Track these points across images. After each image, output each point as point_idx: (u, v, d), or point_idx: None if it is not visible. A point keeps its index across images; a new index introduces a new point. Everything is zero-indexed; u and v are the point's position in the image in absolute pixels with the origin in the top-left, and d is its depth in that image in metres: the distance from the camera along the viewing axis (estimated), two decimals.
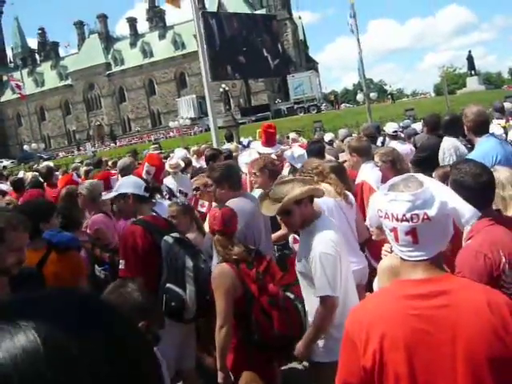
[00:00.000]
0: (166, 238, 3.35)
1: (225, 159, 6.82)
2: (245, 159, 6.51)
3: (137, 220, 3.51)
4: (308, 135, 22.12)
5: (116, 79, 73.23)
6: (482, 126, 3.97)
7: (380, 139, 8.13)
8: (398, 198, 1.46)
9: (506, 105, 10.03)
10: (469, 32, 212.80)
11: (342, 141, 8.55)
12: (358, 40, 21.26)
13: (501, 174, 2.69)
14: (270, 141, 6.33)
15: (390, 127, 7.48)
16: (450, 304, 1.43)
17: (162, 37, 72.22)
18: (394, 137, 7.20)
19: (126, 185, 3.59)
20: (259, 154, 5.92)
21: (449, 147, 4.93)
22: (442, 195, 1.48)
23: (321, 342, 2.78)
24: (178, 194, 6.10)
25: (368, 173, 4.56)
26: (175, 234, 3.43)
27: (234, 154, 8.10)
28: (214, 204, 4.11)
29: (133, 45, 73.83)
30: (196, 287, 3.23)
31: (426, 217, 1.43)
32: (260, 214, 3.36)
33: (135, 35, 74.92)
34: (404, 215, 1.44)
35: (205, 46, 12.66)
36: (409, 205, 1.43)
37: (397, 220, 1.45)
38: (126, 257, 3.35)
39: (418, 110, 25.90)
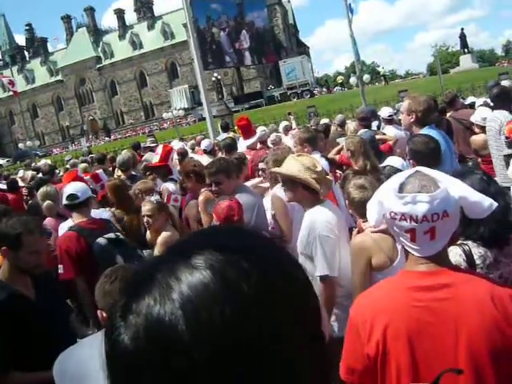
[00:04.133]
0: (98, 240, 3.59)
1: (224, 150, 6.78)
2: (241, 149, 6.50)
3: (71, 226, 3.83)
4: (302, 120, 22.03)
5: (107, 72, 72.63)
6: (429, 116, 4.17)
7: (375, 123, 8.08)
8: (416, 200, 1.44)
9: (506, 83, 9.96)
10: (460, 9, 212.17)
11: (341, 125, 8.53)
12: (350, 22, 21.00)
13: None
14: (246, 132, 6.35)
15: (384, 111, 7.43)
16: (454, 297, 1.44)
17: (150, 27, 71.53)
18: (390, 121, 7.16)
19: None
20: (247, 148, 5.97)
21: (508, 118, 5.05)
22: (457, 191, 1.47)
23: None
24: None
25: None
26: (110, 235, 3.65)
27: None
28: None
29: (122, 37, 73.15)
30: None
31: (445, 214, 1.43)
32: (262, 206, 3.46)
33: (124, 27, 74.18)
34: (425, 216, 1.43)
35: (195, 35, 12.55)
36: (428, 206, 1.42)
37: (416, 222, 1.44)
38: (62, 261, 3.63)
39: (411, 91, 25.75)
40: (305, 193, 3.00)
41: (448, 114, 7.17)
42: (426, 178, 1.49)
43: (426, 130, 3.97)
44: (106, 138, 58.91)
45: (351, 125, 7.01)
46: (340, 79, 56.11)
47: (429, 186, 1.46)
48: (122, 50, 71.87)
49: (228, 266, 0.54)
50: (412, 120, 4.19)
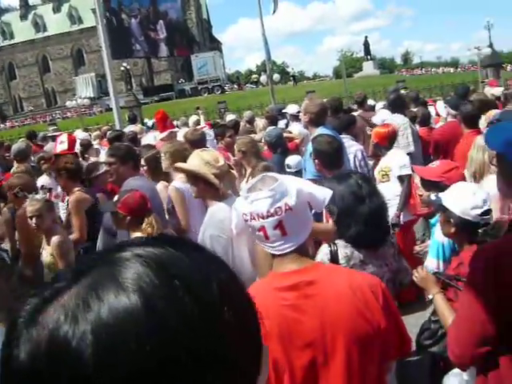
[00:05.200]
0: None
1: (129, 141, 6.62)
2: (150, 141, 6.36)
3: None
4: (212, 116, 22.03)
5: (5, 54, 67.54)
6: (322, 118, 4.37)
7: (284, 121, 8.28)
8: (258, 197, 1.52)
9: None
10: (366, 18, 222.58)
11: (249, 122, 8.63)
12: (262, 21, 21.32)
13: (478, 139, 3.24)
14: (162, 126, 6.32)
15: (292, 108, 7.61)
16: (317, 293, 1.50)
17: (56, 10, 67.56)
18: (296, 117, 7.38)
19: None
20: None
21: (403, 122, 5.44)
22: (296, 184, 1.57)
23: None
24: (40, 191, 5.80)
25: None
26: None
27: (138, 136, 7.85)
28: None
29: (23, 17, 68.39)
30: None
31: (287, 207, 1.50)
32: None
33: (26, 7, 69.38)
34: (268, 211, 1.49)
35: (104, 21, 12.05)
36: (270, 200, 1.49)
37: (263, 218, 1.50)
38: None
39: (318, 92, 26.75)
40: (206, 188, 2.96)
41: (357, 113, 7.58)
42: (269, 178, 1.58)
43: (320, 130, 4.13)
44: (1, 125, 54.77)
45: (260, 122, 7.13)
46: (255, 78, 56.83)
47: (269, 183, 1.55)
48: (23, 31, 67.18)
49: (158, 291, 0.48)
50: (306, 120, 4.44)
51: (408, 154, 5.53)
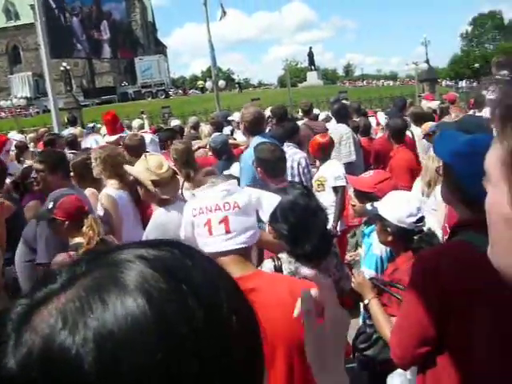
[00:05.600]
0: None
1: (68, 145, 6.38)
2: (90, 145, 6.15)
3: None
4: (156, 120, 21.69)
5: None
6: (258, 126, 4.34)
7: (229, 128, 8.26)
8: (210, 191, 1.58)
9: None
10: (310, 29, 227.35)
11: (194, 128, 8.54)
12: (209, 27, 21.29)
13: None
14: (111, 129, 6.11)
15: (237, 115, 7.64)
16: (258, 300, 1.48)
17: None
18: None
19: None
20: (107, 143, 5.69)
21: (346, 131, 5.54)
22: (248, 189, 1.64)
23: None
24: None
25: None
26: None
27: (78, 139, 7.59)
28: None
29: None
30: None
31: (236, 205, 1.54)
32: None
33: None
34: (217, 204, 1.54)
35: (44, 19, 11.57)
36: (221, 194, 1.55)
37: (210, 211, 1.54)
38: None
39: (263, 100, 27.01)
40: (147, 193, 3.01)
41: (303, 121, 7.72)
42: (220, 179, 1.68)
43: (257, 139, 4.13)
44: None
45: (205, 128, 7.07)
46: (201, 84, 56.66)
47: (221, 181, 1.62)
48: None
49: (167, 296, 0.44)
50: (242, 128, 4.47)
51: (350, 163, 5.68)
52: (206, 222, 1.54)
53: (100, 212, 3.57)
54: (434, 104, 9.30)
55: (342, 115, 6.21)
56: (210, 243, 1.55)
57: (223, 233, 1.53)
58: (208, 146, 5.65)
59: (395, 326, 1.79)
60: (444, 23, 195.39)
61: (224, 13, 22.86)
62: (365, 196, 2.96)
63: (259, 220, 1.69)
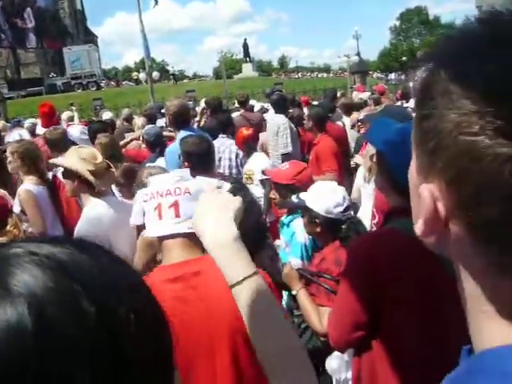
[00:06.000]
0: None
1: None
2: (14, 139, 5.81)
3: None
4: (87, 113, 20.98)
5: None
6: (183, 119, 4.29)
7: (163, 120, 8.09)
8: (162, 177, 1.63)
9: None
10: (245, 21, 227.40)
11: (127, 120, 8.31)
12: (141, 16, 20.70)
13: None
14: (47, 121, 5.84)
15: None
16: (203, 283, 1.52)
17: None
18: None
19: None
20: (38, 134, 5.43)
21: (283, 122, 5.63)
22: (202, 178, 1.71)
23: None
24: None
25: None
26: None
27: (2, 133, 7.19)
28: None
29: None
30: None
31: (187, 190, 1.56)
32: None
33: None
34: (168, 189, 1.56)
35: None
36: (172, 180, 1.58)
37: (161, 196, 1.56)
38: None
39: (198, 92, 26.77)
40: (81, 185, 2.91)
41: (239, 113, 7.77)
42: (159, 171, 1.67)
43: (183, 132, 4.08)
44: None
45: (139, 120, 6.89)
46: (135, 75, 55.26)
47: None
48: None
49: (52, 297, 0.42)
50: (167, 121, 4.41)
51: (287, 154, 5.74)
52: (156, 206, 1.55)
53: (16, 208, 3.45)
54: (365, 95, 9.60)
55: (280, 106, 6.24)
56: (159, 227, 1.56)
57: (173, 217, 1.54)
58: (141, 139, 5.52)
59: (332, 312, 1.84)
60: (374, 17, 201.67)
61: (156, 1, 22.36)
62: (284, 188, 2.99)
63: None
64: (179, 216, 1.54)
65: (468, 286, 0.51)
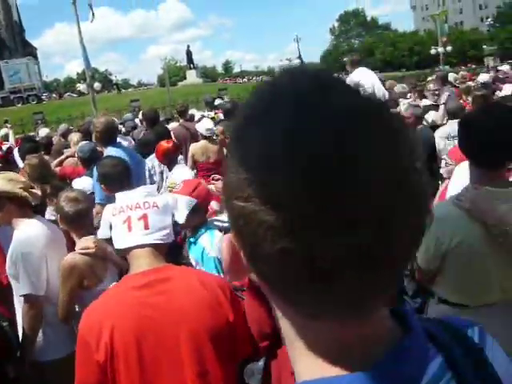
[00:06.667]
0: None
1: None
2: None
3: None
4: (28, 128, 20.33)
5: None
6: (109, 136, 4.33)
7: None
8: (132, 192, 1.72)
9: (218, 101, 11.01)
10: (188, 27, 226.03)
11: (63, 136, 8.11)
12: (79, 27, 20.25)
13: None
14: None
15: None
16: (170, 289, 1.60)
17: None
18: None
19: None
20: None
21: None
22: (169, 195, 1.85)
23: (39, 342, 2.74)
24: None
25: None
26: None
27: None
28: None
29: None
30: None
31: (155, 204, 1.67)
32: None
33: None
34: (138, 203, 1.65)
35: None
36: (142, 194, 1.69)
37: (131, 209, 1.65)
38: None
39: (143, 101, 26.46)
40: (12, 207, 2.80)
41: (178, 123, 7.77)
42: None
43: (109, 149, 4.08)
44: None
45: (74, 136, 6.72)
46: (78, 86, 53.80)
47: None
48: None
49: None
50: (94, 139, 4.44)
51: None
52: (125, 219, 1.63)
53: None
54: None
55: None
56: (129, 238, 1.64)
57: (142, 228, 1.64)
58: (76, 155, 5.41)
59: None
60: (316, 20, 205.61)
61: (93, 14, 21.87)
62: None
63: None
64: (148, 228, 1.64)
65: (282, 324, 0.53)
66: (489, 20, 77.90)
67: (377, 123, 0.45)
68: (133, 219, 1.64)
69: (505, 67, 15.89)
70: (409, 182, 0.44)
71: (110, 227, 1.72)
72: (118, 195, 1.76)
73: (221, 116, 8.42)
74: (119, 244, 1.68)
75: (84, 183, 4.17)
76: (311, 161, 0.41)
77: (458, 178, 2.85)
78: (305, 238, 0.42)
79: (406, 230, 0.45)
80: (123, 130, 8.68)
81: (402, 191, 0.44)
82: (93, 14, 21.26)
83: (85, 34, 20.61)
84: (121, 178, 3.20)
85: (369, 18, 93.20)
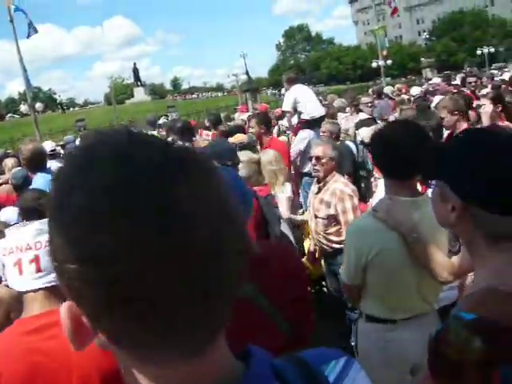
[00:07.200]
0: None
1: None
2: None
3: None
4: None
5: None
6: (37, 163, 4.29)
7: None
8: (20, 232, 1.54)
9: (162, 120, 10.96)
10: (135, 44, 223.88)
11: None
12: (18, 45, 19.70)
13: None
14: None
15: (47, 145, 7.16)
16: (59, 334, 1.51)
17: None
18: (53, 156, 6.97)
19: None
20: None
21: None
22: None
23: None
24: None
25: None
26: None
27: None
28: None
29: None
30: None
31: (48, 244, 1.50)
32: None
33: None
34: (28, 244, 1.51)
35: None
36: (33, 233, 1.52)
37: (21, 251, 1.51)
38: None
39: (89, 120, 25.97)
40: None
41: None
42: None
43: (38, 176, 4.07)
44: None
45: (9, 161, 6.48)
46: (20, 107, 52.13)
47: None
48: None
49: None
50: (23, 166, 4.48)
51: None
52: (16, 261, 1.50)
53: None
54: (245, 116, 9.87)
55: (186, 133, 5.35)
56: (20, 282, 1.53)
57: (33, 272, 1.52)
58: (10, 182, 5.24)
59: None
60: (263, 35, 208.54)
61: (32, 30, 21.34)
62: None
63: None
64: (41, 271, 1.53)
65: (126, 376, 0.56)
66: (425, 34, 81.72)
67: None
68: (23, 262, 1.51)
69: (436, 80, 16.71)
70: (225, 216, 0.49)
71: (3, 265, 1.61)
72: (9, 231, 1.63)
73: (163, 134, 8.31)
74: (12, 286, 1.59)
75: (9, 214, 4.01)
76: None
77: (382, 191, 2.99)
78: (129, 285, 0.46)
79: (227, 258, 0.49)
80: (62, 152, 8.45)
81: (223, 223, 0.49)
82: (35, 29, 20.70)
83: (27, 52, 20.23)
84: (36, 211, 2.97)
85: (313, 33, 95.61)
